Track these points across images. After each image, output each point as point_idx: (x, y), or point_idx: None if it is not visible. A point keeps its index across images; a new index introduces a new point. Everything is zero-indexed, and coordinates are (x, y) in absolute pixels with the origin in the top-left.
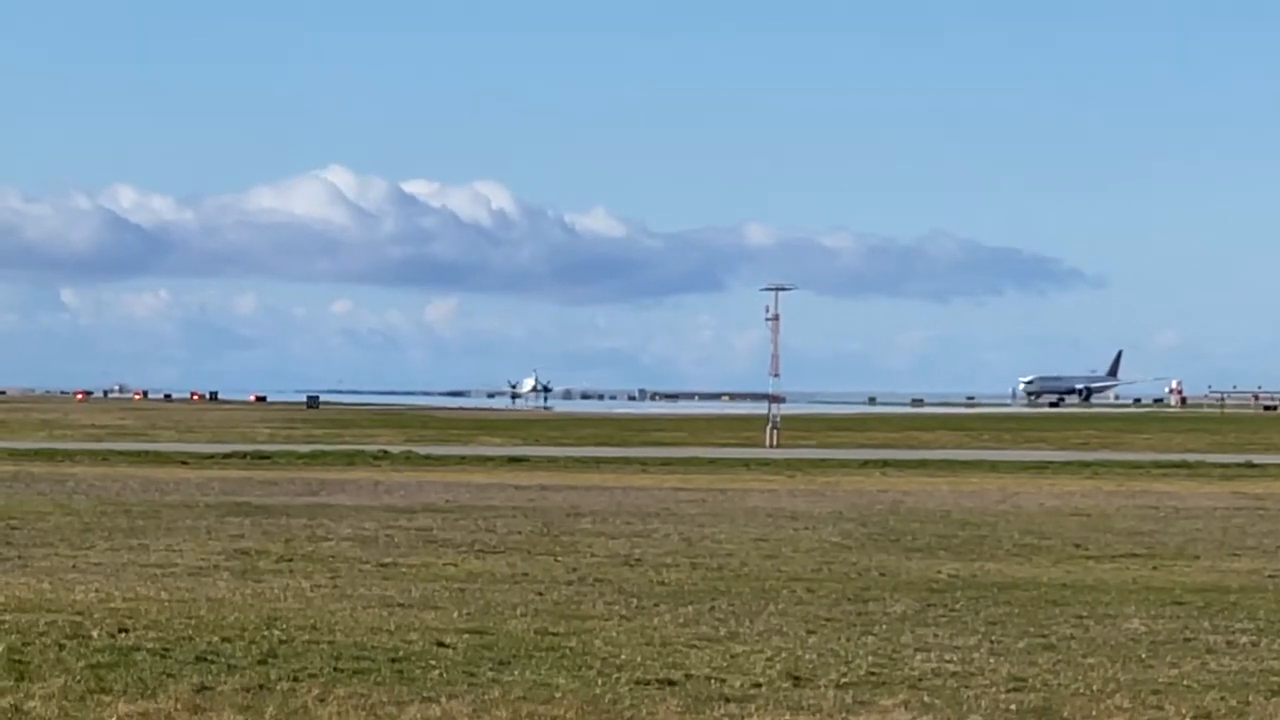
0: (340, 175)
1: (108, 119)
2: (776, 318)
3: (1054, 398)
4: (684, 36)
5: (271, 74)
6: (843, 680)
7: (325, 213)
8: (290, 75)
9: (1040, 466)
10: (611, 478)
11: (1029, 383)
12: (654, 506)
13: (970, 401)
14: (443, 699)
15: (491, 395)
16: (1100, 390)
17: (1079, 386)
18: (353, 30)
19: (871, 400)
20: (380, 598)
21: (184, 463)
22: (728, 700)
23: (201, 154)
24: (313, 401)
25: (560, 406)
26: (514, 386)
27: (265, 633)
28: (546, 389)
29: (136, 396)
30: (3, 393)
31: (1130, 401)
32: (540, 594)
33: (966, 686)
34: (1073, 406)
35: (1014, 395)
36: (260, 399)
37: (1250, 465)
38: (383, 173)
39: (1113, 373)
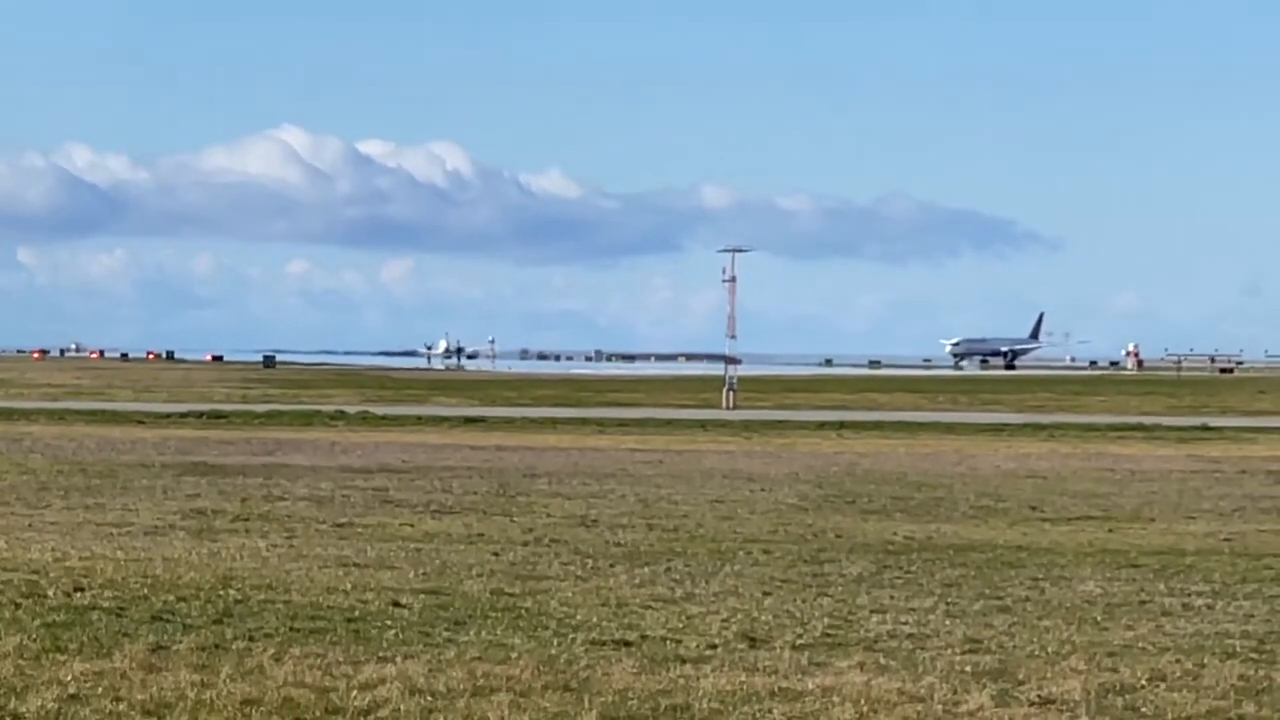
0: (294, 135)
1: (59, 77)
2: (733, 279)
3: (979, 359)
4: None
5: (225, 33)
6: (798, 642)
7: (280, 173)
8: (244, 34)
9: (996, 429)
10: (568, 438)
11: (955, 344)
12: (610, 467)
13: (927, 363)
14: (398, 659)
15: (406, 355)
16: (1024, 353)
17: (1004, 349)
18: None
19: (828, 362)
20: (336, 558)
21: (140, 422)
22: (683, 661)
23: (154, 113)
24: (269, 361)
25: (517, 367)
26: (429, 348)
27: (221, 592)
28: (459, 351)
29: (93, 356)
30: None
31: (1086, 364)
32: (496, 554)
33: (922, 648)
34: (997, 369)
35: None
36: (217, 359)
37: (1206, 428)
38: (337, 133)
39: (1034, 335)
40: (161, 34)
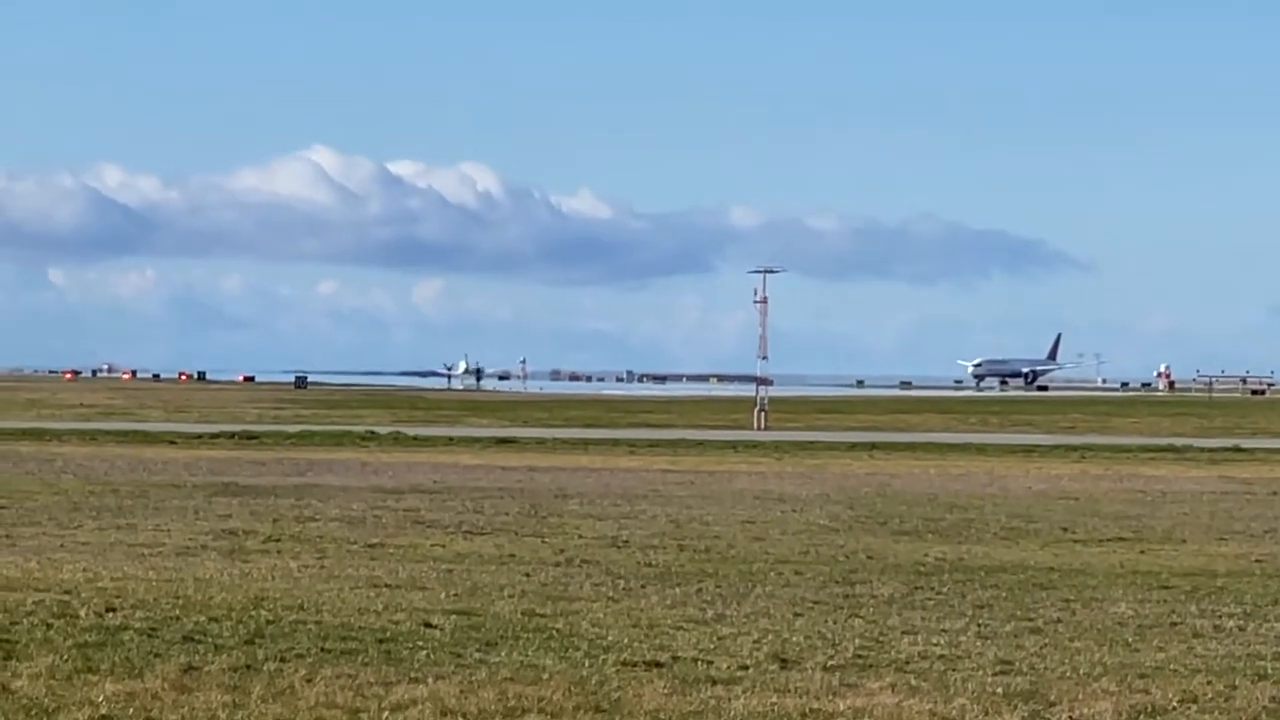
0: (324, 156)
1: (90, 97)
2: (764, 300)
3: (999, 380)
4: (670, 17)
5: (255, 53)
6: (830, 663)
7: (310, 193)
8: (274, 55)
9: (1028, 450)
10: (599, 459)
11: (977, 365)
12: (641, 488)
13: (958, 384)
14: (430, 679)
15: (426, 376)
16: (1044, 373)
17: (1024, 370)
18: (337, 10)
19: (859, 383)
20: (367, 578)
21: (172, 442)
22: (714, 682)
23: (185, 134)
24: (300, 382)
25: (549, 388)
26: (449, 369)
27: (252, 613)
28: (479, 372)
29: (125, 376)
30: None
31: (1118, 385)
32: (527, 575)
33: (953, 669)
34: (1017, 389)
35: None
36: (248, 379)
37: (1237, 449)
38: (368, 153)
39: (1052, 356)
40: (192, 55)
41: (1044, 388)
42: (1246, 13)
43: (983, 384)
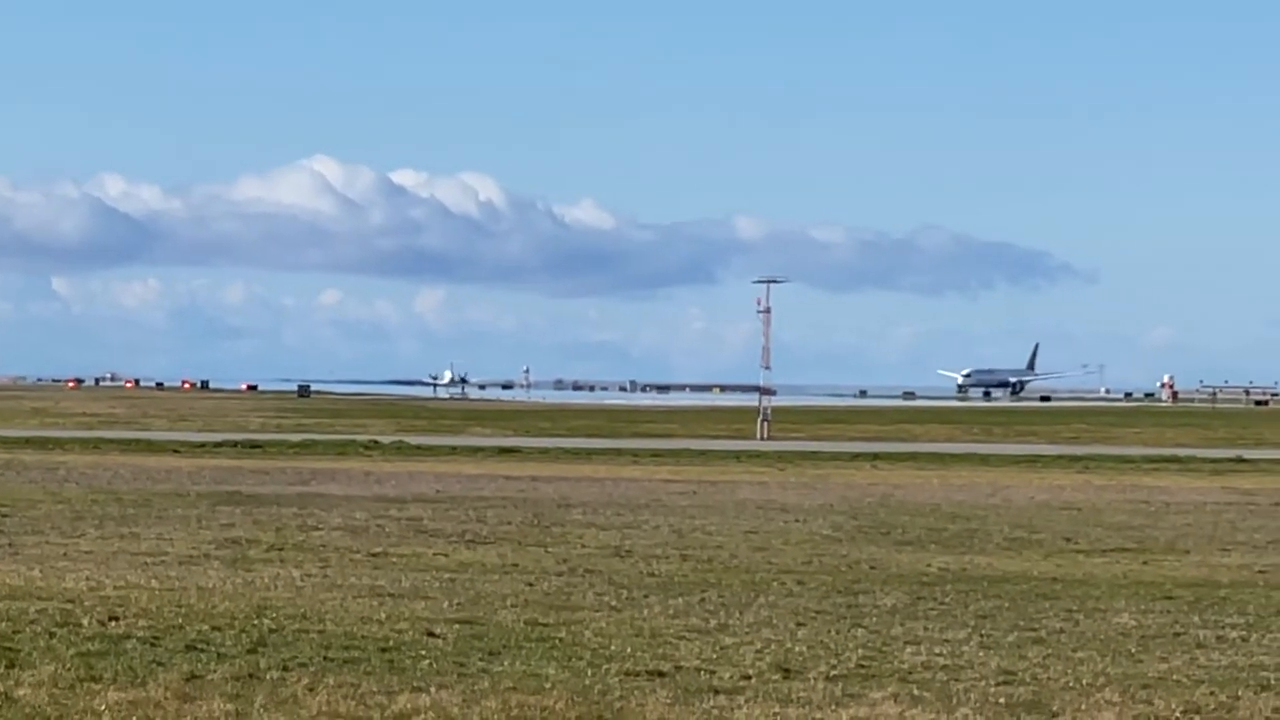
0: (327, 165)
1: (93, 108)
2: (768, 310)
3: (985, 390)
4: (672, 28)
5: (257, 63)
6: (832, 673)
7: (313, 203)
8: (276, 64)
9: (1031, 460)
10: (602, 469)
11: (966, 375)
12: (644, 498)
13: (962, 395)
14: (432, 689)
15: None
16: (1029, 383)
17: (1012, 380)
18: (339, 19)
19: (862, 393)
20: (370, 587)
21: (175, 451)
22: (717, 692)
23: (187, 144)
24: (304, 391)
25: (552, 398)
26: (434, 378)
27: (255, 622)
28: (464, 381)
29: (128, 385)
30: None
31: (1121, 395)
32: (530, 585)
33: (956, 679)
34: (1001, 400)
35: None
36: (252, 388)
37: (1241, 460)
38: (370, 163)
39: (1030, 366)
40: (194, 64)
41: (1046, 398)
42: (1252, 23)
43: (970, 394)
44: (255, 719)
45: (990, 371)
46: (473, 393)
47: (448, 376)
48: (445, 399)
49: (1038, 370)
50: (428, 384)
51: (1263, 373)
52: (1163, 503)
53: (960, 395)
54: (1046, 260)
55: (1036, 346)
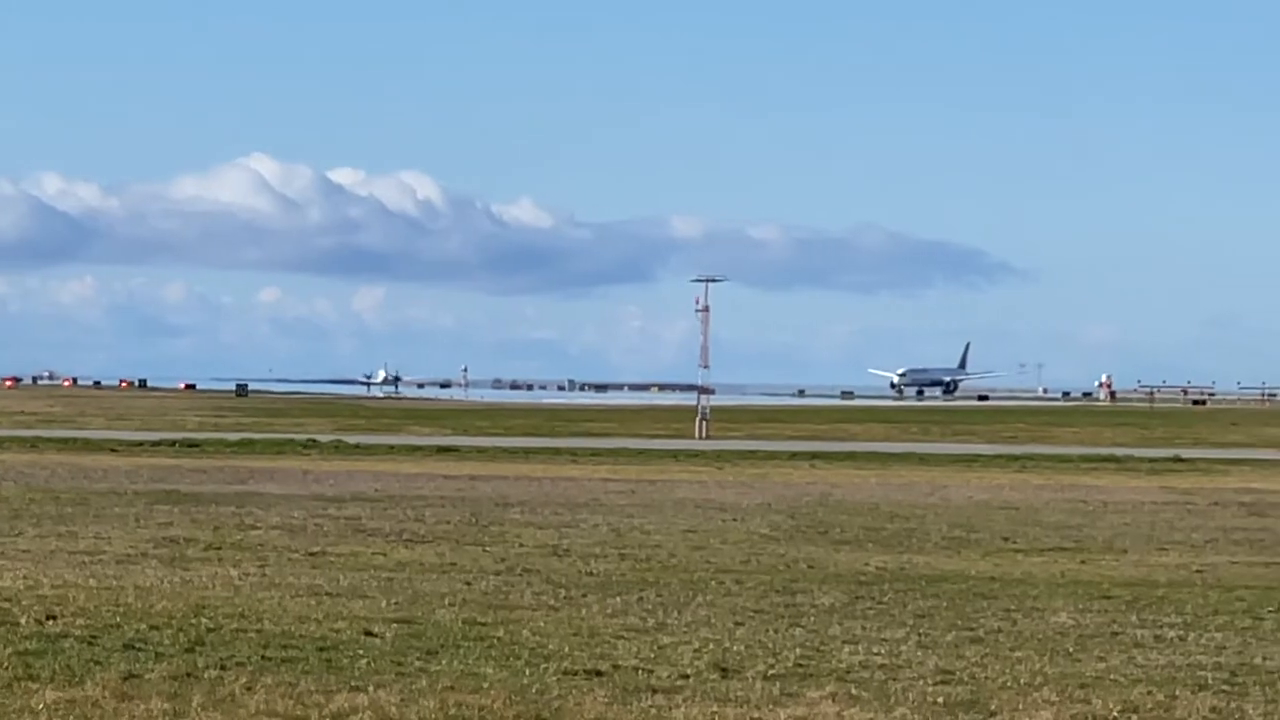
0: (265, 163)
1: (30, 105)
2: (706, 309)
3: (919, 389)
4: (609, 28)
5: (195, 60)
6: (770, 672)
7: (251, 201)
8: (214, 62)
9: (969, 459)
10: (540, 468)
11: (901, 375)
12: (583, 497)
13: (901, 394)
14: (370, 688)
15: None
16: (961, 382)
17: (946, 379)
18: (276, 18)
19: (800, 392)
20: (308, 586)
21: (113, 450)
22: (655, 691)
23: (125, 142)
24: (242, 390)
25: (490, 397)
26: (368, 377)
27: (193, 621)
28: (398, 380)
29: (66, 383)
30: None
31: (1059, 395)
32: (468, 584)
33: (894, 679)
34: (935, 398)
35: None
36: (190, 387)
37: (1178, 460)
38: (308, 161)
39: (962, 365)
40: (131, 62)
41: (985, 397)
42: (1186, 24)
43: (905, 393)
44: (193, 718)
45: (924, 371)
46: (407, 391)
47: (381, 375)
48: (380, 398)
49: (969, 369)
50: (361, 383)
51: (1200, 372)
52: (1100, 502)
53: (896, 394)
54: (984, 259)
55: (968, 345)
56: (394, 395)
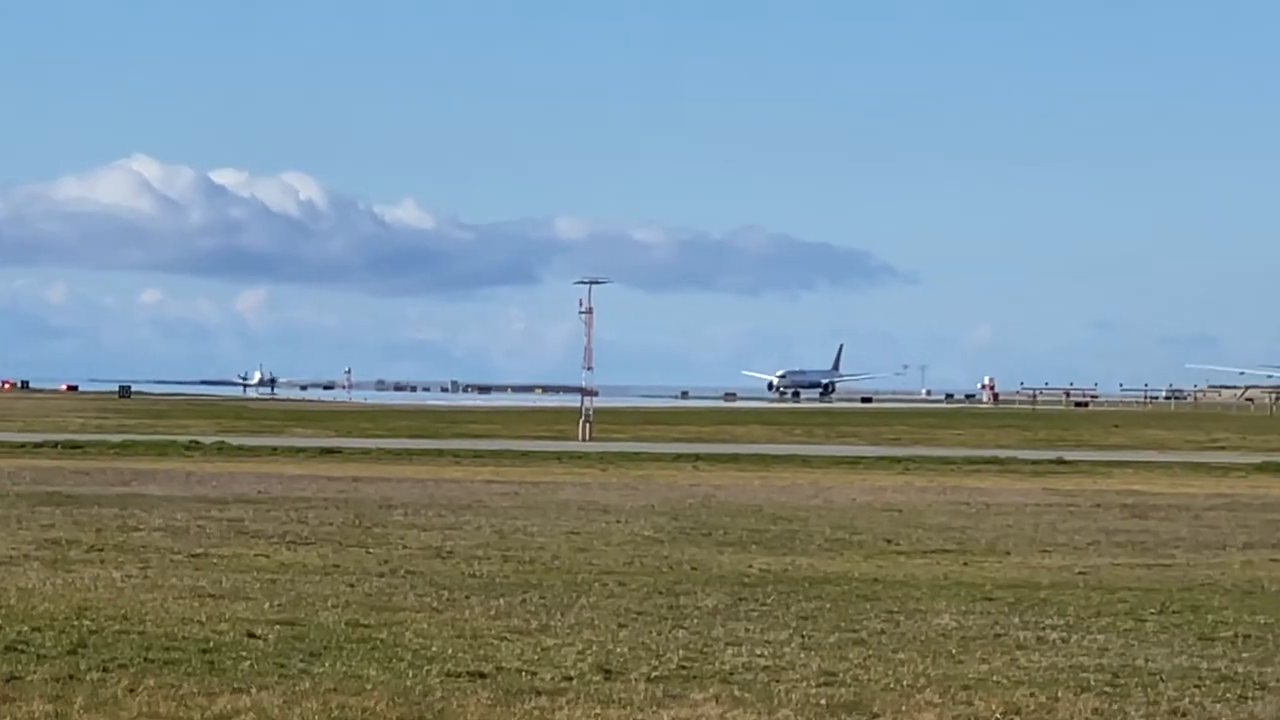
0: (146, 165)
1: None
2: (590, 311)
3: (795, 391)
4: (491, 28)
5: (77, 61)
6: (654, 674)
7: (133, 202)
8: (96, 62)
9: (852, 461)
10: (424, 470)
11: (781, 376)
12: (466, 499)
13: (782, 395)
14: (253, 690)
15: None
16: (837, 384)
17: (824, 381)
18: (158, 17)
19: (684, 394)
20: (191, 588)
21: None
22: (538, 693)
23: (7, 142)
24: (124, 391)
25: (373, 398)
26: (244, 378)
27: (75, 623)
28: (274, 381)
29: None
30: None
31: (942, 397)
32: (351, 586)
33: (777, 681)
34: (813, 399)
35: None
36: (72, 388)
37: (1061, 462)
38: (190, 162)
39: (835, 366)
40: (11, 62)
41: (868, 399)
42: (1054, 21)
43: (784, 396)
44: None
45: (802, 373)
46: (283, 393)
47: (257, 377)
48: (260, 399)
49: (842, 371)
50: (237, 384)
51: (1083, 374)
52: (983, 504)
53: (779, 396)
54: (867, 261)
55: (841, 347)
56: (270, 396)
